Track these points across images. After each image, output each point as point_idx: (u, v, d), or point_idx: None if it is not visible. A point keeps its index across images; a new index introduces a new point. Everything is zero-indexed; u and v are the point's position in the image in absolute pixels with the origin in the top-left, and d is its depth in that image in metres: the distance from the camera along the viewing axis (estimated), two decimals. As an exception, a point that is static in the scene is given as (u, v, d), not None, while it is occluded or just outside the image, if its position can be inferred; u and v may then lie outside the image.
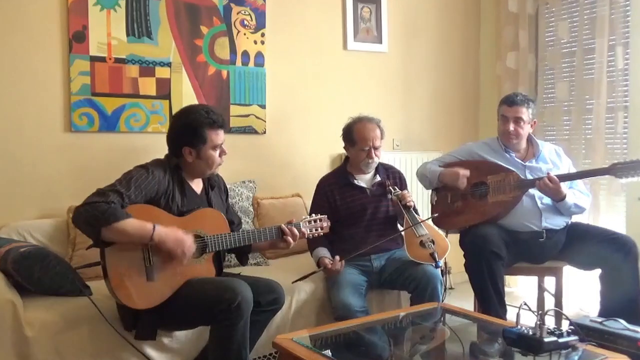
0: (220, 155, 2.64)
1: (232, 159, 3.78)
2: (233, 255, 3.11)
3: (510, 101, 3.29)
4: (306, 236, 2.82)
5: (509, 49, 4.58)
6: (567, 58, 4.32)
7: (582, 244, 3.17)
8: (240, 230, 2.75)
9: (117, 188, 2.36)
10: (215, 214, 2.67)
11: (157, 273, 2.40)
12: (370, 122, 3.24)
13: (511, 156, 3.33)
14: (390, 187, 3.16)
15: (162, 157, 2.65)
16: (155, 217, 2.44)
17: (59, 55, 3.30)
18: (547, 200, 3.22)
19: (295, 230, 2.75)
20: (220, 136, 2.61)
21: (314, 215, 2.89)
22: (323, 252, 3.08)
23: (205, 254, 2.57)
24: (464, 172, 3.29)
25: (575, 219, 3.38)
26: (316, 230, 2.86)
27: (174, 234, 2.41)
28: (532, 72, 4.53)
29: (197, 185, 2.69)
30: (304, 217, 2.85)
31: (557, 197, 3.14)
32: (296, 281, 2.99)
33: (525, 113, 3.27)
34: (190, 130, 2.56)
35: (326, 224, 2.91)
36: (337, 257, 3.00)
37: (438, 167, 3.43)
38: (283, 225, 2.75)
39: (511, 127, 3.26)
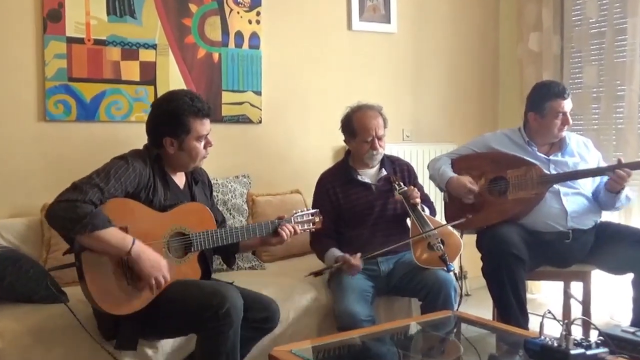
0: (205, 147, 2.65)
1: (224, 151, 3.81)
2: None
3: (562, 93, 3.26)
4: (298, 232, 2.83)
5: (532, 29, 4.55)
6: (596, 39, 4.29)
7: (613, 245, 3.16)
8: (229, 226, 2.74)
9: (96, 182, 2.35)
10: (200, 209, 2.67)
11: (138, 276, 2.39)
12: (371, 110, 3.23)
13: (533, 149, 3.32)
14: (395, 183, 3.14)
15: (141, 147, 2.65)
16: (135, 212, 2.44)
17: (31, 37, 3.28)
18: (573, 197, 3.22)
19: (290, 227, 2.77)
20: (205, 126, 2.62)
21: (305, 209, 2.91)
22: (338, 252, 3.08)
23: (190, 253, 2.57)
24: (472, 188, 3.28)
25: (605, 217, 3.37)
26: (308, 225, 2.89)
27: (154, 255, 2.40)
28: (557, 55, 4.50)
29: (179, 179, 2.70)
30: (294, 211, 2.87)
31: (620, 188, 3.13)
32: (310, 275, 2.98)
33: None
34: (172, 119, 2.56)
35: (318, 218, 2.93)
36: (357, 255, 2.98)
37: (449, 169, 3.42)
38: (277, 221, 2.76)
39: (570, 121, 3.28)
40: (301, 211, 2.89)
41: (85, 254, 2.33)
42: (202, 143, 2.63)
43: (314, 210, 2.94)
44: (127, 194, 2.44)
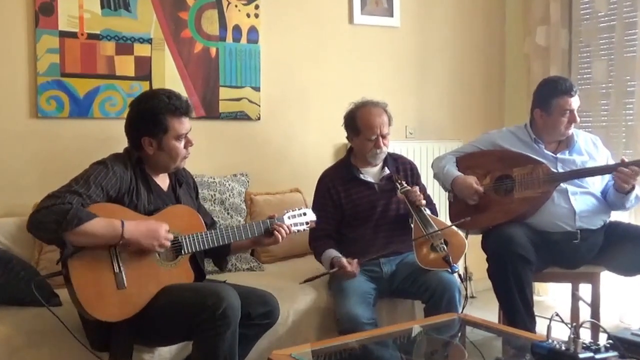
0: (185, 147, 2.66)
1: (221, 149, 3.81)
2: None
3: (570, 90, 3.25)
4: (291, 232, 2.83)
5: (539, 23, 4.54)
6: (605, 33, 4.29)
7: (623, 246, 3.16)
8: (220, 227, 2.75)
9: (75, 188, 2.36)
10: (187, 211, 2.68)
11: (128, 280, 2.40)
12: (376, 107, 3.22)
13: (540, 147, 3.32)
14: (398, 182, 3.14)
15: (122, 151, 2.67)
16: (122, 217, 2.43)
17: (23, 31, 3.28)
18: (581, 196, 3.21)
19: (285, 227, 2.78)
20: (184, 125, 2.63)
21: (297, 209, 2.91)
22: (335, 253, 3.08)
23: (181, 256, 2.57)
24: (478, 188, 3.27)
25: (615, 217, 3.36)
26: (301, 225, 2.88)
27: (145, 225, 2.42)
28: (565, 49, 4.49)
29: (162, 182, 2.71)
30: (285, 211, 2.87)
31: (628, 188, 3.12)
32: (305, 282, 2.98)
33: None
34: (149, 118, 2.57)
35: (312, 218, 2.93)
36: (354, 260, 2.97)
37: (454, 168, 3.42)
38: (269, 221, 2.77)
39: (578, 119, 3.27)
40: (292, 210, 2.89)
41: (71, 260, 2.32)
42: (182, 142, 2.63)
43: (306, 210, 2.94)
44: (109, 199, 2.46)
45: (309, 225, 2.91)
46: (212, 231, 2.65)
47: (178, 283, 2.52)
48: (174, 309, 2.40)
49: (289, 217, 2.84)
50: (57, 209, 2.27)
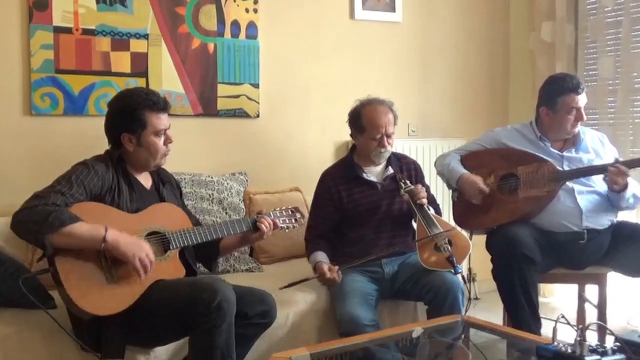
0: (165, 144, 2.70)
1: (220, 147, 3.81)
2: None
3: (576, 88, 3.24)
4: (279, 227, 2.87)
5: (544, 18, 4.54)
6: (612, 29, 4.28)
7: (630, 246, 3.16)
8: (206, 223, 2.77)
9: (58, 188, 2.40)
10: (173, 209, 2.73)
11: (118, 273, 2.41)
12: (382, 105, 3.21)
13: (546, 145, 3.31)
14: (401, 182, 3.13)
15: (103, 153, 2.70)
16: (106, 214, 2.46)
17: (16, 26, 3.27)
18: (587, 195, 3.21)
19: (270, 220, 2.82)
20: (162, 120, 2.67)
21: (286, 207, 2.96)
22: (321, 256, 3.09)
23: (170, 251, 2.59)
24: (483, 188, 3.27)
25: (622, 217, 3.36)
26: (290, 221, 2.93)
27: (132, 238, 2.43)
28: (571, 45, 4.49)
29: (145, 180, 2.75)
30: (274, 208, 2.92)
31: (617, 188, 3.11)
32: (285, 287, 2.96)
33: None
34: (127, 114, 2.62)
35: (299, 215, 2.97)
36: (335, 266, 2.98)
37: (459, 165, 3.42)
38: (255, 216, 2.81)
39: (585, 117, 3.26)
40: (280, 208, 2.95)
41: (59, 258, 2.34)
42: (162, 139, 2.67)
43: (294, 207, 2.98)
44: (92, 198, 2.49)
45: (297, 222, 2.95)
46: (199, 227, 2.69)
47: (170, 278, 2.53)
48: (168, 304, 2.41)
49: (276, 213, 2.89)
50: (40, 210, 2.30)
